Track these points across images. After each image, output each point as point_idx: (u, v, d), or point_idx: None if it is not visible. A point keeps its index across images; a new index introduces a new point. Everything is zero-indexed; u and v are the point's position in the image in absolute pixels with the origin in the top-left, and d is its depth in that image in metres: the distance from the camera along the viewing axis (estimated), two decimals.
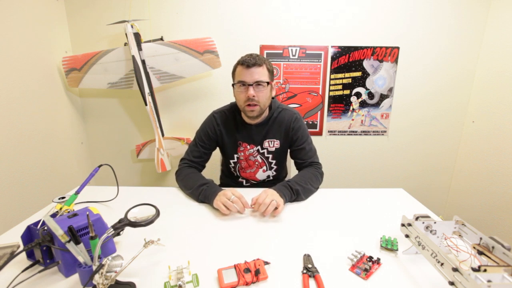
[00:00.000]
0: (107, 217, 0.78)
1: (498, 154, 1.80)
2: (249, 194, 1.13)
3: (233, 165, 1.30)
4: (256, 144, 1.24)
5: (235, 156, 1.27)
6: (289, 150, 1.31)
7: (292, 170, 1.43)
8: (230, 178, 1.38)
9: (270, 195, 0.96)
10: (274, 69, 1.90)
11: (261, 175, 1.31)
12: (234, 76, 1.15)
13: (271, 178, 1.34)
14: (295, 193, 1.05)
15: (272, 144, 1.24)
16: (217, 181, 1.48)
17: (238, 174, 1.32)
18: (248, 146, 1.24)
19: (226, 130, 1.24)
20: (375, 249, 0.78)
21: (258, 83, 1.09)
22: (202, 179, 1.12)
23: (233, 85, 1.15)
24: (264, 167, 1.29)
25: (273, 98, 1.24)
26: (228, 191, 0.98)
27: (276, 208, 0.94)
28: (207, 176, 1.17)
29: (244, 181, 1.34)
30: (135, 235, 0.80)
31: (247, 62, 1.07)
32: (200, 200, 1.06)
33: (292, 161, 1.32)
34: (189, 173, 1.17)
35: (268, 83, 1.11)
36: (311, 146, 1.26)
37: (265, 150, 1.25)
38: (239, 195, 0.97)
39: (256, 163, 1.28)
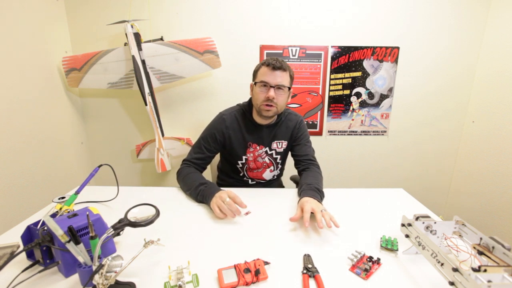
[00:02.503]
0: (107, 217, 0.78)
1: (498, 154, 1.80)
2: (253, 193, 1.14)
3: (241, 165, 1.30)
4: (265, 145, 1.26)
5: (244, 157, 1.27)
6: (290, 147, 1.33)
7: (288, 170, 1.44)
8: (234, 178, 1.37)
9: (316, 206, 0.90)
10: None
11: (268, 175, 1.33)
12: (256, 76, 1.17)
13: (275, 177, 1.37)
14: (323, 195, 1.07)
15: (280, 145, 1.28)
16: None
17: (245, 173, 1.33)
18: (258, 147, 1.26)
19: (235, 132, 1.23)
20: (375, 249, 0.78)
21: (279, 87, 1.12)
22: (201, 179, 1.12)
23: (255, 83, 1.16)
24: (272, 167, 1.31)
25: None
26: (224, 193, 0.97)
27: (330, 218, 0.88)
28: (208, 177, 1.17)
29: (250, 180, 1.35)
30: (135, 235, 0.80)
31: (273, 64, 1.10)
32: (198, 200, 1.06)
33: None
34: (189, 172, 1.17)
35: (288, 88, 1.15)
36: (311, 145, 1.31)
37: (273, 151, 1.28)
38: (233, 196, 0.95)
39: (264, 164, 1.30)
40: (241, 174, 1.34)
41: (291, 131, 1.27)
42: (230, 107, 1.28)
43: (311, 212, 0.88)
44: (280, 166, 1.34)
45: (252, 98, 1.21)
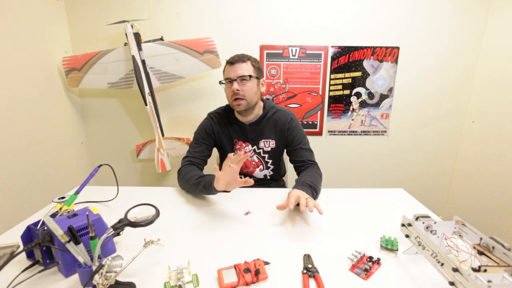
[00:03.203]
0: (107, 217, 0.78)
1: (498, 154, 1.80)
2: (251, 193, 1.14)
3: None
4: (252, 143, 1.26)
5: (232, 154, 1.27)
6: (286, 150, 1.32)
7: (289, 172, 1.43)
8: None
9: (301, 194, 0.93)
10: (274, 68, 1.93)
11: (258, 174, 1.33)
12: (223, 76, 1.22)
13: (268, 177, 1.35)
14: (316, 192, 1.07)
15: (268, 144, 1.27)
16: None
17: None
18: (244, 144, 1.27)
19: (222, 128, 1.27)
20: (375, 249, 0.78)
21: (242, 78, 1.13)
22: (202, 173, 1.14)
23: (220, 82, 1.21)
24: (261, 166, 1.31)
25: (267, 99, 1.29)
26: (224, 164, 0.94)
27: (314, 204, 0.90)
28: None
29: (243, 176, 1.34)
30: (135, 235, 0.80)
31: (231, 60, 1.15)
32: (201, 189, 1.04)
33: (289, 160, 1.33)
34: (190, 170, 1.17)
35: (251, 76, 1.15)
36: (309, 146, 1.28)
37: (261, 150, 1.27)
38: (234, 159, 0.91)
39: (253, 163, 1.30)
40: None
41: (279, 130, 1.25)
42: (218, 108, 1.33)
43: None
44: (272, 166, 1.31)
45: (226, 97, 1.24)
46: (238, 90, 1.12)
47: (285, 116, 1.25)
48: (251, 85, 1.15)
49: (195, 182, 1.06)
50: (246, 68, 1.14)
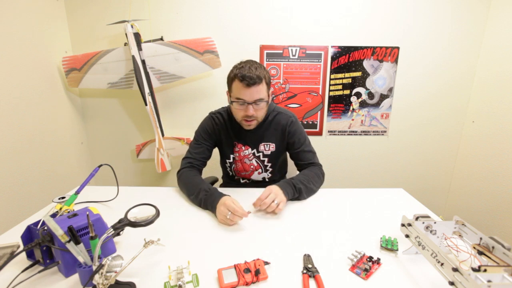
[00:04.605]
0: (107, 217, 0.78)
1: (498, 154, 1.80)
2: (249, 193, 1.13)
3: (229, 164, 1.31)
4: (252, 147, 1.25)
5: (231, 156, 1.28)
6: (288, 153, 1.31)
7: (290, 171, 1.44)
8: (228, 177, 1.40)
9: (274, 193, 0.97)
10: (274, 68, 1.93)
11: (256, 177, 1.32)
12: (231, 88, 1.11)
13: (267, 179, 1.34)
14: (298, 191, 1.07)
15: (268, 148, 1.25)
16: (220, 179, 1.50)
17: (233, 174, 1.34)
18: (243, 147, 1.25)
19: (223, 130, 1.25)
20: (375, 249, 0.78)
21: (257, 101, 1.07)
22: (202, 183, 1.08)
23: (232, 102, 1.11)
24: (260, 170, 1.30)
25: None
26: (223, 207, 0.92)
27: (278, 205, 0.96)
28: (210, 174, 1.16)
29: (241, 179, 1.35)
30: (135, 235, 0.80)
31: (247, 80, 1.02)
32: (202, 207, 1.04)
33: (292, 161, 1.33)
34: (189, 176, 1.15)
35: (266, 100, 1.11)
36: (310, 148, 1.26)
37: (260, 154, 1.26)
38: (233, 209, 0.89)
39: (252, 166, 1.28)
40: (231, 174, 1.35)
41: (280, 133, 1.23)
42: (219, 108, 1.30)
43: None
44: (270, 169, 1.30)
45: (233, 113, 1.18)
46: (253, 114, 1.08)
47: (286, 119, 1.23)
48: (264, 105, 1.12)
49: (196, 198, 1.05)
50: (262, 91, 1.06)
